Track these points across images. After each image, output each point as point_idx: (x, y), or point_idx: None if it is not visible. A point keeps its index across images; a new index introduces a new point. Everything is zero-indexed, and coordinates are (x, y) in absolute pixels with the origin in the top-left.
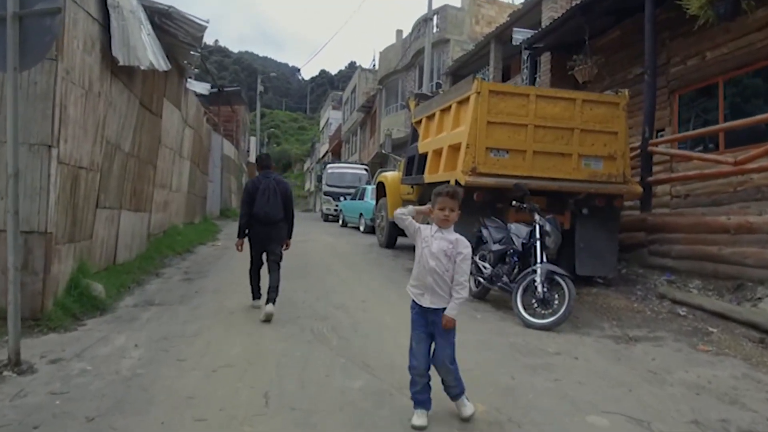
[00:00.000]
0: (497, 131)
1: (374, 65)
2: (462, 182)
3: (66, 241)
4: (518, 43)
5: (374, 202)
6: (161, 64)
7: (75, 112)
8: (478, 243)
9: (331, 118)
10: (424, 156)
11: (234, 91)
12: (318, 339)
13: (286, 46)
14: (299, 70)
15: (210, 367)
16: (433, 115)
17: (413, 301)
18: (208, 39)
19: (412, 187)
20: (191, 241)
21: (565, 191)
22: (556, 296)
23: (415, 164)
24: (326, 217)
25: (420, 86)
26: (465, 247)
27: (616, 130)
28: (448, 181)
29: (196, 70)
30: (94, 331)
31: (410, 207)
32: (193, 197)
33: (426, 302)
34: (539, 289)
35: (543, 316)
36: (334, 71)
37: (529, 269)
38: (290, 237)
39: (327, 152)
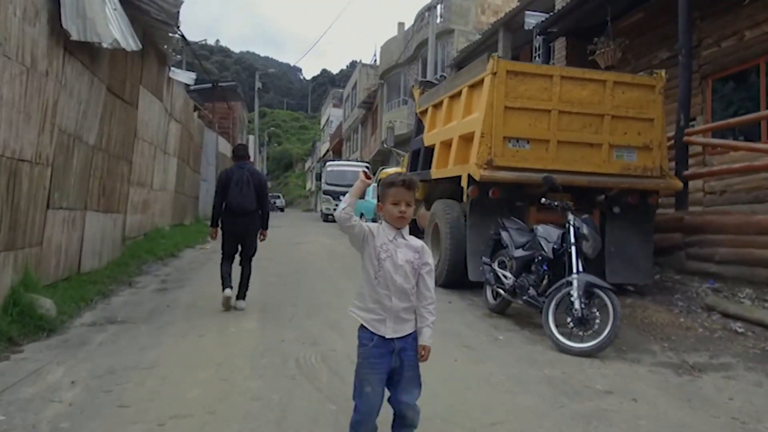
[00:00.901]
0: (516, 118)
1: (375, 60)
2: (476, 177)
3: (2, 249)
4: (531, 28)
5: (376, 201)
6: (130, 43)
7: (10, 93)
8: (495, 247)
9: (332, 116)
10: (431, 149)
11: (229, 87)
12: (304, 374)
13: (288, 46)
14: (300, 69)
15: (157, 418)
16: (441, 102)
17: (366, 331)
18: (210, 39)
19: None
20: (177, 245)
21: (595, 187)
22: (597, 314)
23: (421, 159)
24: (326, 217)
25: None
26: (430, 256)
27: (652, 117)
28: (460, 177)
29: (177, 56)
30: (29, 360)
31: (349, 197)
32: (183, 197)
33: (389, 332)
34: (576, 305)
35: (581, 339)
36: (335, 71)
37: (563, 281)
38: (266, 228)
39: (328, 151)
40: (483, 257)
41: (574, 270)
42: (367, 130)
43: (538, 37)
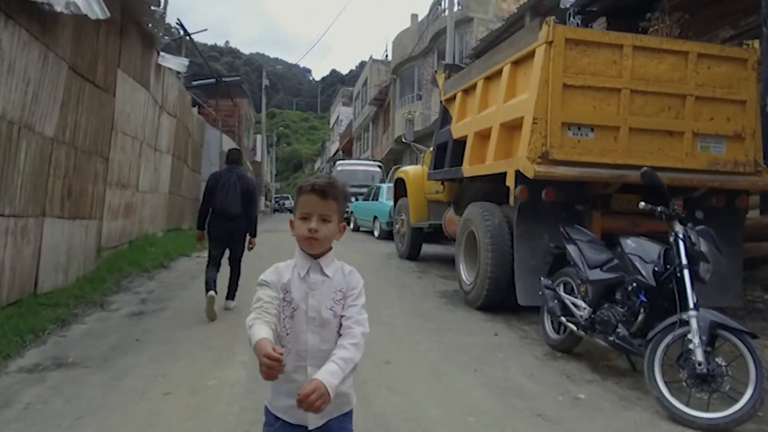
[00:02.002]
0: (578, 99)
1: (386, 56)
2: (529, 174)
3: None
4: (567, 6)
5: (391, 203)
6: (95, 10)
7: None
8: (555, 265)
9: (342, 114)
10: (461, 142)
11: (234, 82)
12: None
13: (297, 48)
14: (310, 70)
15: None
16: (474, 86)
17: (272, 417)
18: (219, 40)
19: (442, 183)
20: (168, 253)
21: (677, 186)
22: (724, 367)
23: (448, 154)
24: None
25: None
26: (360, 279)
27: (744, 98)
28: (504, 175)
29: (165, 38)
30: None
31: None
32: (179, 199)
33: (313, 419)
34: (699, 356)
35: (706, 405)
36: (344, 71)
37: (674, 319)
38: (254, 235)
39: (338, 150)
40: (543, 279)
41: (690, 303)
42: (379, 128)
43: (572, 19)
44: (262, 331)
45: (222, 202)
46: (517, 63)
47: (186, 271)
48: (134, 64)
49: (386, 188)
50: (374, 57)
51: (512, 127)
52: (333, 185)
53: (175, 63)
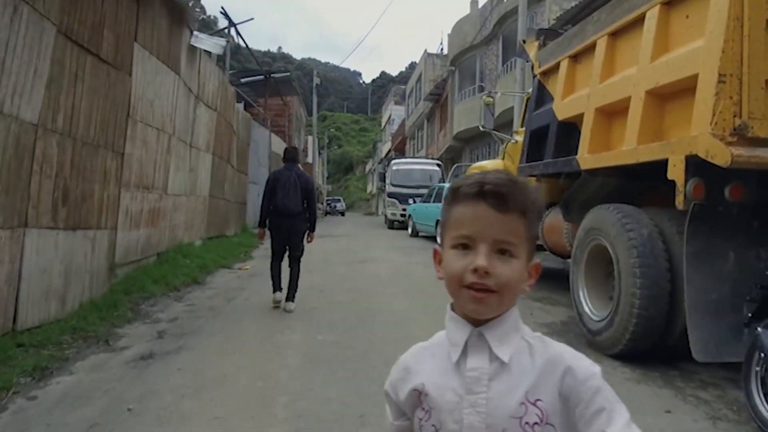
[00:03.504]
0: None
1: (441, 49)
2: (722, 159)
3: None
4: None
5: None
6: None
7: None
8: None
9: (394, 114)
10: (569, 125)
11: (283, 78)
12: None
13: (348, 52)
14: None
15: None
16: (591, 47)
17: None
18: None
19: (537, 180)
20: (205, 266)
21: None
22: None
23: (550, 141)
24: (391, 224)
25: (503, 62)
26: (581, 363)
27: None
28: (663, 164)
29: (201, 15)
30: None
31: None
32: (223, 203)
33: None
34: None
35: None
36: (394, 73)
37: None
38: (313, 230)
39: (390, 150)
40: (760, 329)
41: None
42: (435, 126)
43: None
44: None
45: (283, 200)
46: (670, 2)
47: (223, 288)
48: (158, 40)
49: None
50: (429, 51)
51: (671, 94)
52: (518, 187)
53: (211, 44)
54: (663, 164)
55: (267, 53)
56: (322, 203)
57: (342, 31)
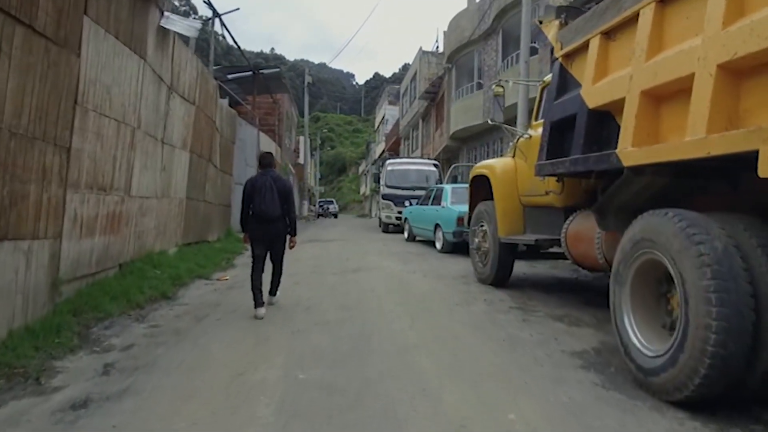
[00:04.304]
0: None
1: (437, 47)
2: None
3: None
4: None
5: (459, 208)
6: None
7: None
8: None
9: (388, 114)
10: (604, 114)
11: (273, 75)
12: None
13: (343, 54)
14: (354, 75)
15: None
16: (632, 19)
17: None
18: (265, 47)
19: (559, 180)
20: (179, 277)
21: None
22: None
23: (580, 134)
24: (386, 227)
25: (503, 57)
26: None
27: None
28: (742, 158)
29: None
30: None
31: None
32: (203, 206)
33: None
34: None
35: None
36: (388, 74)
37: None
38: (294, 234)
39: (383, 151)
40: None
41: None
42: (430, 125)
43: None
44: None
45: (260, 206)
46: None
47: (195, 304)
48: (117, 17)
49: (450, 190)
50: (424, 49)
51: (754, 68)
52: None
53: (184, 26)
54: (738, 158)
55: (260, 54)
56: (314, 205)
57: (338, 34)
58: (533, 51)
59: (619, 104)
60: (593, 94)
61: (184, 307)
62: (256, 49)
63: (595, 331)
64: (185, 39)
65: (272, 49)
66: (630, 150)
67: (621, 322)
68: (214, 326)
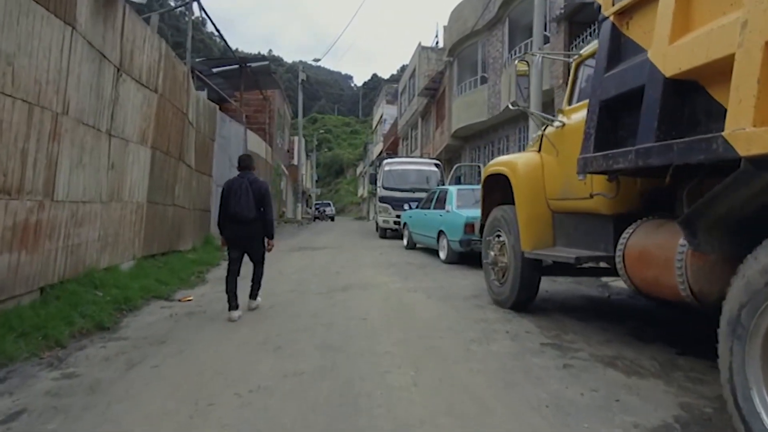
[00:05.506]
0: None
1: (437, 42)
2: None
3: None
4: None
5: (468, 213)
6: None
7: None
8: None
9: (386, 113)
10: (689, 84)
11: (262, 68)
12: None
13: (339, 55)
14: (352, 77)
15: None
16: None
17: None
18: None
19: (611, 179)
20: (129, 299)
21: None
22: None
23: (650, 113)
24: (384, 232)
25: (510, 49)
26: None
27: None
28: None
29: None
30: None
31: None
32: (172, 211)
33: None
34: None
35: None
36: (386, 76)
37: None
38: (271, 237)
39: (381, 152)
40: None
41: None
42: (430, 123)
43: None
44: None
45: (235, 208)
46: None
47: (137, 338)
48: None
49: (456, 192)
50: (423, 45)
51: None
52: None
53: None
54: None
55: (257, 56)
56: (311, 207)
57: (336, 36)
58: (545, 39)
59: (719, 67)
60: (672, 56)
61: (121, 343)
62: (253, 50)
63: (665, 386)
64: (142, 12)
65: (270, 50)
66: (750, 132)
67: (746, 399)
68: (146, 378)
